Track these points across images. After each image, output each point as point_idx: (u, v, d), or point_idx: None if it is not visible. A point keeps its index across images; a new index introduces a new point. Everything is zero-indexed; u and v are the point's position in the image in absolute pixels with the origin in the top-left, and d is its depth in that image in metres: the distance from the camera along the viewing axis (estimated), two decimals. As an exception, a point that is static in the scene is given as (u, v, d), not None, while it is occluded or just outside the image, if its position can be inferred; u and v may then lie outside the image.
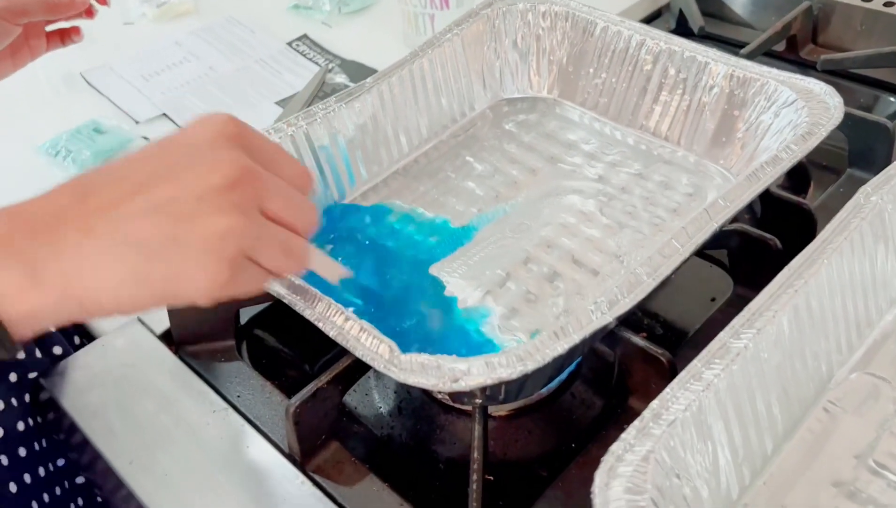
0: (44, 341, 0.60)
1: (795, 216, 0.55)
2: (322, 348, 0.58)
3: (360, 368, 0.47)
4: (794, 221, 0.55)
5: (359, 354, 0.39)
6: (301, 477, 0.46)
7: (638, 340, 0.45)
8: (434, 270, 0.52)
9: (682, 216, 0.54)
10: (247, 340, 0.57)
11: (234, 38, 0.91)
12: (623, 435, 0.33)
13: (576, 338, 0.36)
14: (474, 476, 0.40)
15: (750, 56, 0.68)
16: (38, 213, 0.31)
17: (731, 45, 0.76)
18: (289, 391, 0.52)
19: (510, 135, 0.63)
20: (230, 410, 0.50)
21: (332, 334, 0.39)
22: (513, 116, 0.64)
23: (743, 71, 0.55)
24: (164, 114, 0.78)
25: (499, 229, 0.54)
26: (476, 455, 0.41)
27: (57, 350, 0.60)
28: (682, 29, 0.80)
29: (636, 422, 0.34)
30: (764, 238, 0.52)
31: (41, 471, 0.55)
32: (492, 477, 0.43)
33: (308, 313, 0.41)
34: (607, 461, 0.32)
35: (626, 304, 0.38)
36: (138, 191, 0.32)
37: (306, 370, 0.57)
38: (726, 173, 0.56)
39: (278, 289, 0.42)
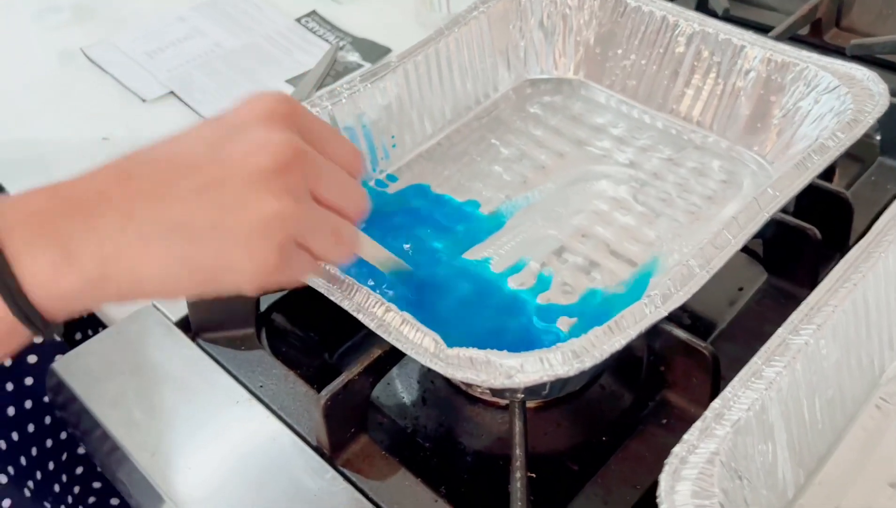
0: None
1: (831, 205, 0.54)
2: (342, 335, 0.56)
3: (391, 358, 0.46)
4: (829, 210, 0.54)
5: (402, 347, 0.37)
6: (331, 472, 0.45)
7: (680, 332, 0.44)
8: (465, 259, 0.50)
9: (718, 204, 0.52)
10: (265, 326, 0.55)
11: (239, 13, 0.88)
12: (685, 436, 0.32)
13: (632, 333, 0.35)
14: (517, 474, 0.39)
15: (776, 40, 0.67)
16: (79, 193, 0.30)
17: (755, 29, 0.74)
18: (311, 381, 0.50)
19: (535, 117, 0.61)
20: (254, 400, 0.49)
21: (372, 325, 0.38)
22: (537, 97, 0.63)
23: (781, 55, 0.54)
24: (172, 92, 0.75)
25: (529, 217, 0.53)
26: (518, 451, 0.40)
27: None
28: (702, 10, 0.78)
29: (698, 423, 0.33)
30: (802, 228, 0.51)
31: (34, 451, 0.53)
32: (534, 475, 0.42)
33: (346, 304, 0.39)
34: (671, 463, 0.31)
35: (679, 297, 0.37)
36: (183, 174, 0.30)
37: (326, 358, 0.56)
38: (761, 161, 0.55)
39: (317, 284, 0.40)
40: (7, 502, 0.49)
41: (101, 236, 0.30)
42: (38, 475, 0.54)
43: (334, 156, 0.34)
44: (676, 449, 0.32)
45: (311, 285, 0.41)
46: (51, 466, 0.55)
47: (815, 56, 0.53)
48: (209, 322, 0.52)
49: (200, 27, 0.86)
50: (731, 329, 0.52)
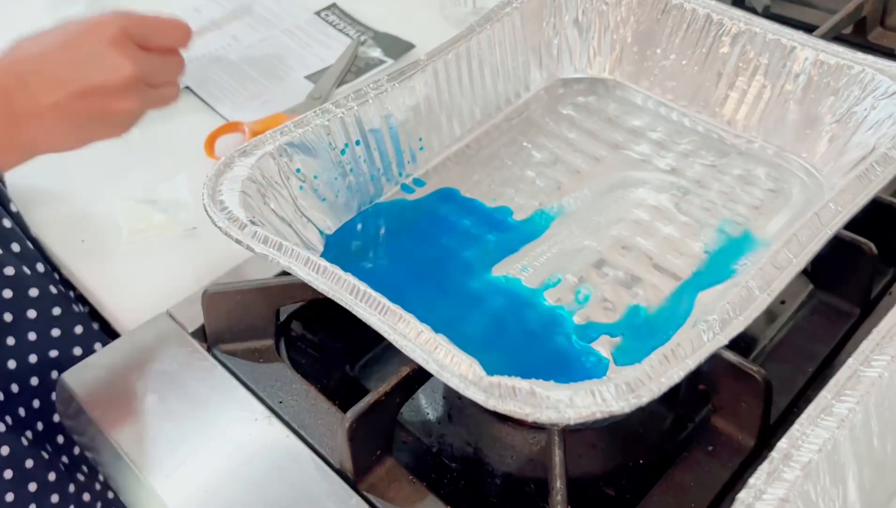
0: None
1: (886, 218, 0.51)
2: (363, 345, 0.54)
3: (420, 377, 0.43)
4: (884, 223, 0.51)
5: (437, 373, 0.34)
6: (355, 497, 0.42)
7: (730, 354, 0.41)
8: (497, 272, 0.47)
9: (766, 215, 0.49)
10: (284, 337, 0.53)
11: (256, 5, 0.85)
12: (751, 480, 0.29)
13: (690, 363, 0.32)
14: (558, 509, 0.36)
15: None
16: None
17: (795, 27, 0.71)
18: (332, 395, 0.48)
19: (569, 119, 0.58)
20: (273, 418, 0.46)
21: (405, 349, 0.35)
22: (570, 98, 0.60)
23: (834, 57, 0.51)
24: (188, 87, 0.73)
25: (565, 226, 0.50)
26: (559, 484, 0.37)
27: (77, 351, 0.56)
28: (740, 7, 0.74)
29: (765, 465, 0.30)
30: (858, 242, 0.47)
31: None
32: (575, 509, 0.39)
33: (374, 322, 0.36)
34: (738, 511, 0.28)
35: (740, 323, 0.34)
36: (66, 85, 0.47)
37: (347, 370, 0.53)
38: (810, 169, 0.52)
39: (342, 296, 0.37)
40: (6, 449, 0.50)
41: (23, 130, 0.47)
42: (40, 425, 0.54)
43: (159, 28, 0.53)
44: (742, 496, 0.29)
45: (337, 301, 0.38)
46: (56, 418, 0.55)
47: (871, 58, 0.50)
48: (226, 332, 0.50)
49: (217, 20, 0.83)
50: (778, 348, 0.49)
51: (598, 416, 0.30)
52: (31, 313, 0.54)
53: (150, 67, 0.51)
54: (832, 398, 0.32)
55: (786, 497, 0.29)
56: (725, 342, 0.33)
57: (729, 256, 0.47)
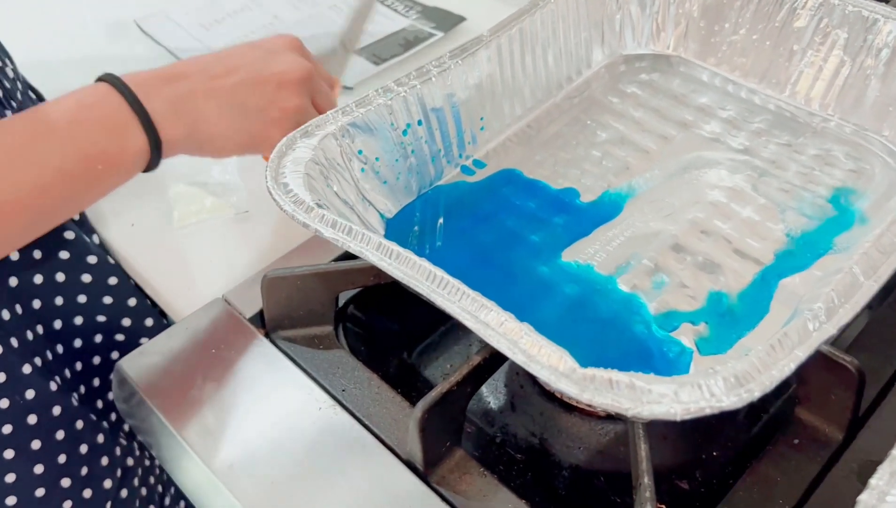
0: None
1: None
2: (420, 332, 0.52)
3: (490, 366, 0.42)
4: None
5: (522, 362, 0.32)
6: (425, 489, 0.41)
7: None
8: (567, 257, 0.45)
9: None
10: (341, 324, 0.51)
11: (300, -18, 0.83)
12: (872, 481, 0.27)
13: (800, 355, 0.30)
14: (648, 506, 0.34)
15: None
16: (176, 73, 0.47)
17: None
18: (393, 383, 0.46)
19: (633, 97, 0.56)
20: (337, 407, 0.45)
21: (489, 338, 0.33)
22: (632, 75, 0.57)
23: (921, 29, 0.48)
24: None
25: (637, 209, 0.48)
26: (646, 479, 0.35)
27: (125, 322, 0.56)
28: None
29: (885, 465, 0.28)
30: (948, 225, 0.45)
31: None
32: (664, 506, 0.38)
33: (455, 310, 0.34)
34: (862, 514, 0.26)
35: (847, 312, 0.32)
36: (243, 73, 0.48)
37: (405, 357, 0.52)
38: (892, 148, 0.49)
39: (418, 283, 0.35)
40: (57, 409, 0.50)
41: (192, 104, 0.46)
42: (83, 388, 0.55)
43: (322, 74, 0.54)
44: (864, 497, 0.27)
45: (412, 288, 0.36)
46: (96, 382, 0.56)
47: (962, 31, 0.47)
48: (285, 319, 0.48)
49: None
50: (861, 337, 0.47)
51: (708, 412, 0.28)
52: (86, 278, 0.54)
53: (318, 70, 0.52)
54: (952, 392, 0.30)
55: (911, 500, 0.27)
56: (834, 331, 0.31)
57: (813, 240, 0.44)
